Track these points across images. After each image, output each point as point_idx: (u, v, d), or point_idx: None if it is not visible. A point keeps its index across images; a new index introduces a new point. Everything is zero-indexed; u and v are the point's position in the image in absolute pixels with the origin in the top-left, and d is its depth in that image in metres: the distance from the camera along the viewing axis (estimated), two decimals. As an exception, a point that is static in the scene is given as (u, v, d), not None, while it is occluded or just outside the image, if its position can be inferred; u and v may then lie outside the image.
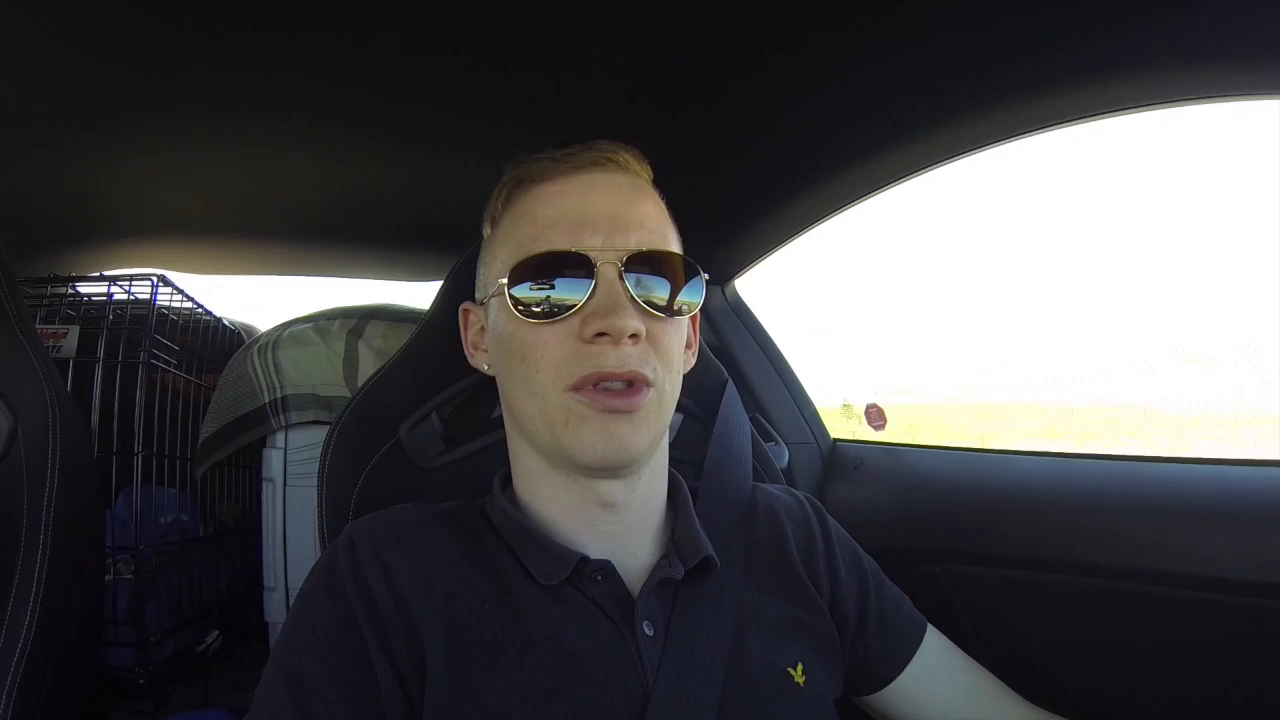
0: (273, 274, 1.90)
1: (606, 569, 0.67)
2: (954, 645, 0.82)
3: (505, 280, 0.66)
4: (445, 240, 1.57)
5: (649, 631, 0.65)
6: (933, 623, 0.82)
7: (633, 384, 0.64)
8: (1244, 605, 0.80)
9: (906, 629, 0.80)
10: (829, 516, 0.83)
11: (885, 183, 1.11)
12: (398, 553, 0.65)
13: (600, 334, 0.62)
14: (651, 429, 0.66)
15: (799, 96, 0.98)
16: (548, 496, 0.70)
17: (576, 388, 0.63)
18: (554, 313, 0.64)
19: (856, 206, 1.19)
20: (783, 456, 1.27)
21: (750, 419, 1.00)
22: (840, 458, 1.42)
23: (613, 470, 0.66)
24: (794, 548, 0.77)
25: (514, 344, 0.67)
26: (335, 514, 0.83)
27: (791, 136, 1.07)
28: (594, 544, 0.69)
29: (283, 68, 0.96)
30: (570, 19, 0.85)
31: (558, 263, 0.65)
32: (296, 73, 0.97)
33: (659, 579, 0.67)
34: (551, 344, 0.64)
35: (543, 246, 0.65)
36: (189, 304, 1.74)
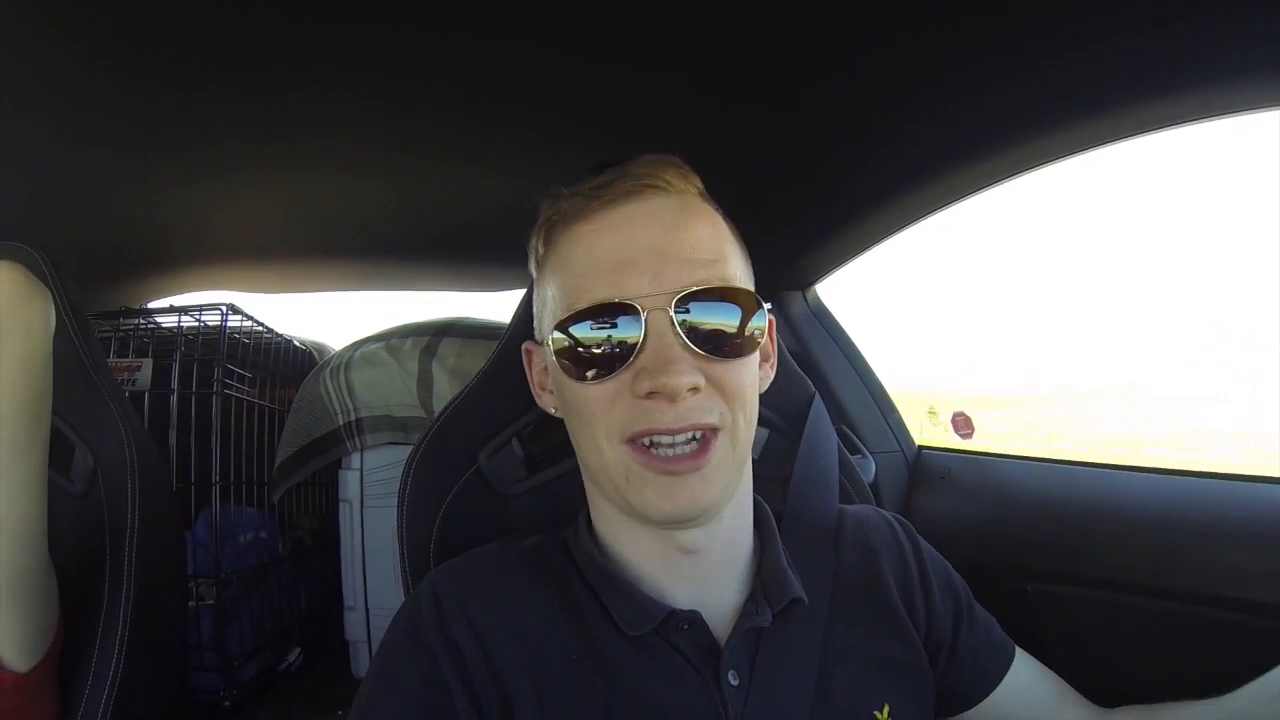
0: (339, 290, 1.92)
1: (694, 619, 0.64)
2: (1041, 668, 0.78)
3: (550, 339, 0.62)
4: (516, 252, 1.55)
5: (734, 681, 0.62)
6: (1020, 643, 0.78)
7: (701, 437, 0.59)
8: None
9: (996, 654, 0.76)
10: (919, 536, 0.79)
11: (974, 189, 1.05)
12: (483, 605, 0.63)
13: (654, 392, 0.58)
14: (724, 478, 0.62)
15: (890, 105, 0.93)
16: (628, 542, 0.67)
17: (631, 440, 0.59)
18: (604, 370, 0.59)
19: (942, 213, 1.13)
20: (869, 470, 1.22)
21: (836, 430, 0.95)
22: (926, 466, 1.36)
23: (684, 524, 0.63)
24: (890, 576, 0.73)
25: (569, 398, 0.63)
26: (417, 548, 0.81)
27: (881, 144, 1.02)
28: (679, 589, 0.66)
29: (337, 94, 0.95)
30: (644, 24, 0.81)
31: (600, 315, 0.59)
32: (352, 98, 0.96)
33: (746, 628, 0.64)
34: (602, 400, 0.60)
35: (583, 299, 0.60)
36: (259, 328, 1.76)
